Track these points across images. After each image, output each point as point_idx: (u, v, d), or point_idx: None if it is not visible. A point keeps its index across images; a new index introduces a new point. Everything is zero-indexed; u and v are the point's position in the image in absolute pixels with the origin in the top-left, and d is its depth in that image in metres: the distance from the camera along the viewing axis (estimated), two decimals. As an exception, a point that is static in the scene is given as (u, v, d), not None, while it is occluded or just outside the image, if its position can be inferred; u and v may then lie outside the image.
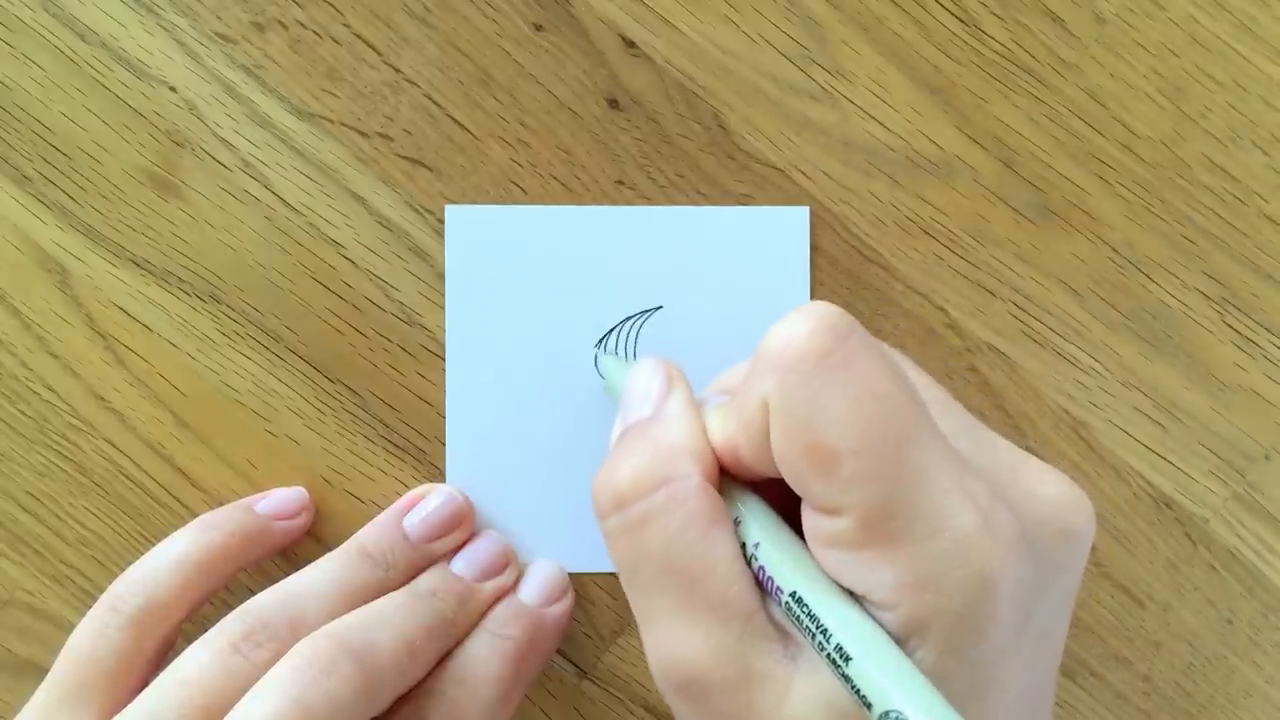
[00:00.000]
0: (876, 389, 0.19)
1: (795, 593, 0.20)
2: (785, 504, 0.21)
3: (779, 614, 0.20)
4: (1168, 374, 0.30)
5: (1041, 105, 0.30)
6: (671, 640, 0.20)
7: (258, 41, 0.30)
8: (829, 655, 0.19)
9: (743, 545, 0.21)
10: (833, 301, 0.30)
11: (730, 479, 0.22)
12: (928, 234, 0.30)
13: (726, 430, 0.21)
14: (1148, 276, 0.30)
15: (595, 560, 0.30)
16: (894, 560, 0.18)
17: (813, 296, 0.30)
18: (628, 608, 0.30)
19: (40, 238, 0.30)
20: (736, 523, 0.21)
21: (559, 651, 0.30)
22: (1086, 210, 0.30)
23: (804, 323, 0.19)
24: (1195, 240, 0.30)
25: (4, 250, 0.30)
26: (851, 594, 0.19)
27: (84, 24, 0.29)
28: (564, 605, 0.29)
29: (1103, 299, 0.30)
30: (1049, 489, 0.21)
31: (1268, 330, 0.30)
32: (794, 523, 0.21)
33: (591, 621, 0.30)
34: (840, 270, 0.30)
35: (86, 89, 0.30)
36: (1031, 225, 0.30)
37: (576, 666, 0.30)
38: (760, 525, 0.21)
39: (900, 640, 0.19)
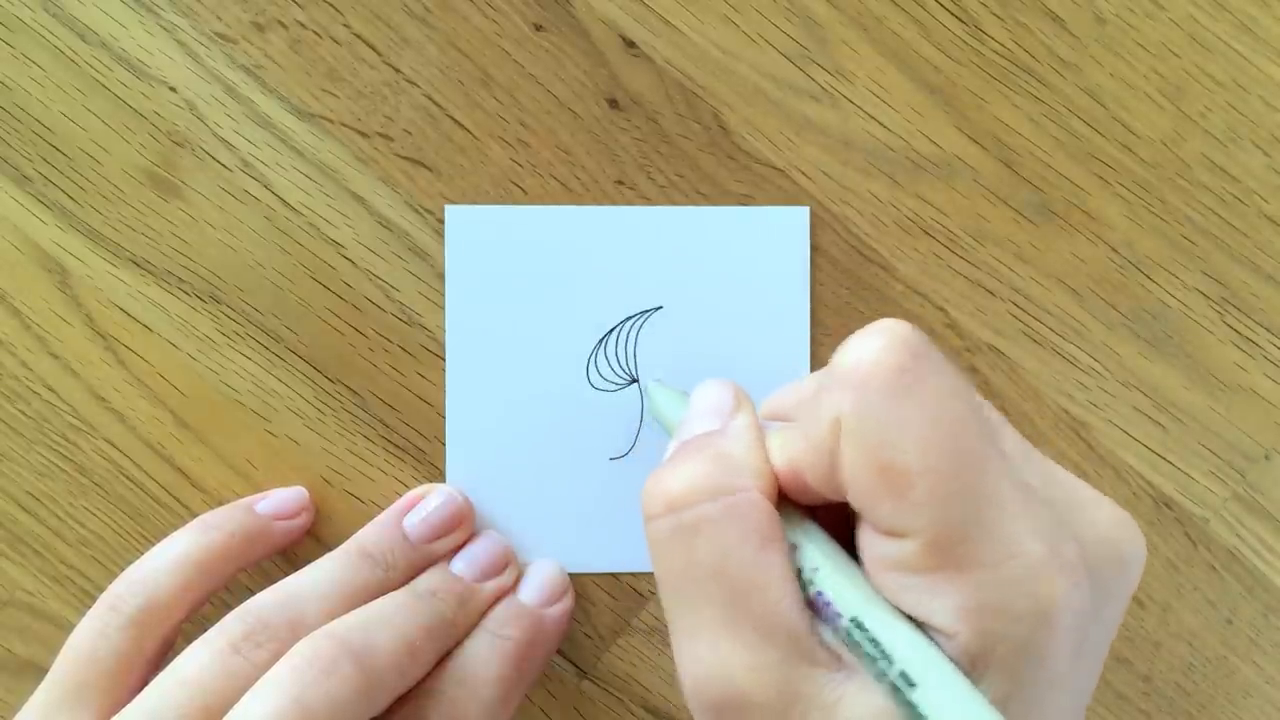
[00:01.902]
0: (950, 410, 0.19)
1: (857, 618, 0.19)
2: (836, 531, 0.21)
3: (829, 639, 0.20)
4: (1168, 374, 0.30)
5: (1041, 105, 0.30)
6: (713, 655, 0.20)
7: (258, 41, 0.30)
8: (892, 682, 0.18)
9: (798, 570, 0.20)
10: (832, 301, 0.30)
11: (788, 504, 0.21)
12: (928, 234, 0.30)
13: (789, 451, 0.21)
14: (1148, 276, 0.30)
15: (595, 560, 0.30)
16: (959, 586, 0.18)
17: (813, 297, 0.30)
18: (628, 608, 0.30)
19: (40, 238, 0.30)
20: (793, 547, 0.21)
21: (559, 651, 0.30)
22: (1086, 210, 0.30)
23: (879, 340, 0.19)
24: (1195, 240, 0.30)
25: (4, 250, 0.30)
26: (912, 620, 0.19)
27: (84, 24, 0.29)
28: (564, 605, 0.29)
29: (1103, 299, 0.30)
30: (1104, 516, 0.21)
31: (1268, 330, 0.30)
32: (845, 549, 0.21)
33: (591, 621, 0.30)
34: (840, 270, 0.30)
35: (86, 89, 0.30)
36: (1031, 225, 0.30)
37: (576, 666, 0.30)
38: (819, 549, 0.20)
39: (961, 668, 0.18)
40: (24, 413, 0.30)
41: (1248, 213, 0.30)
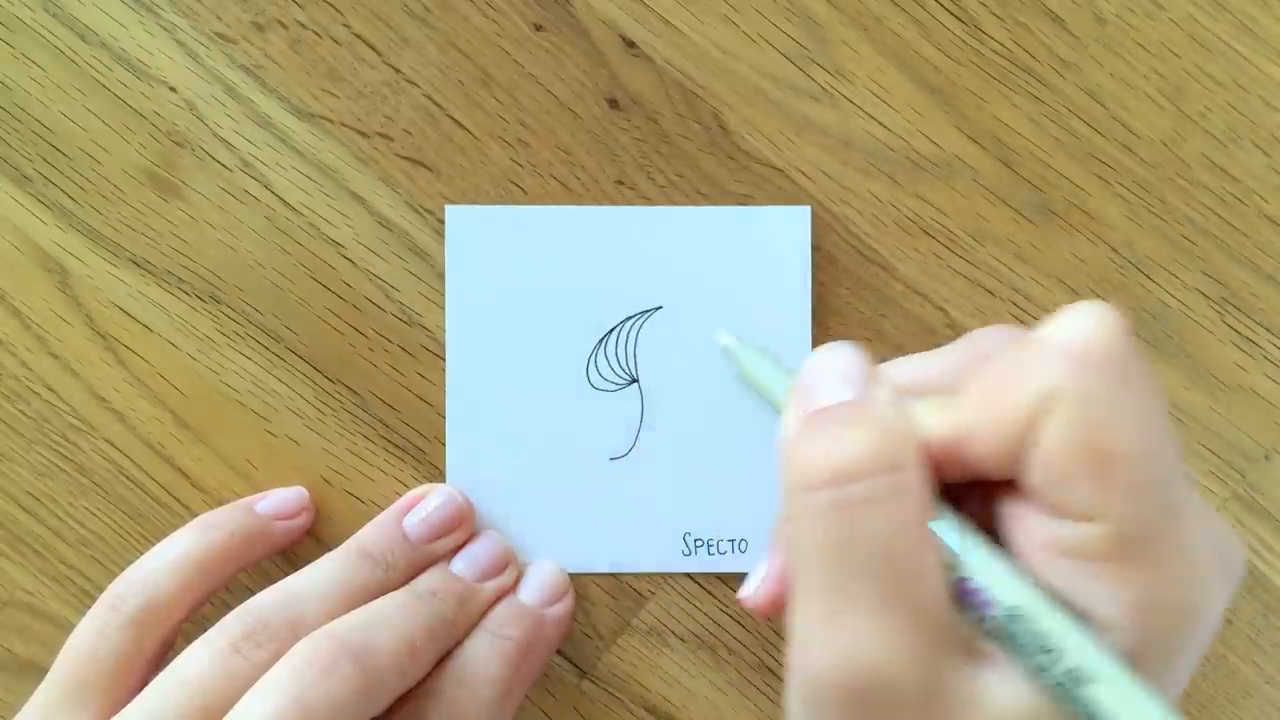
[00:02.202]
0: (1156, 404, 0.19)
1: (1016, 608, 0.19)
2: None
3: (965, 629, 0.19)
4: (1168, 374, 0.30)
5: (1041, 105, 0.30)
6: (857, 639, 0.19)
7: (258, 41, 0.30)
8: (1055, 679, 0.18)
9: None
10: (833, 302, 0.30)
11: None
12: (928, 234, 0.30)
13: (954, 419, 0.20)
14: (1148, 276, 0.30)
15: (595, 560, 0.30)
16: (1134, 579, 0.18)
17: (813, 297, 0.30)
18: (628, 608, 0.30)
19: (40, 238, 0.30)
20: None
21: (559, 651, 0.30)
22: (1086, 210, 0.30)
23: (1100, 321, 0.19)
24: (1195, 240, 0.30)
25: (4, 250, 0.30)
26: (1070, 609, 0.19)
27: (84, 24, 0.29)
28: (564, 606, 0.29)
29: (1103, 299, 0.30)
30: (1224, 528, 0.21)
31: (1268, 330, 0.30)
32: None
33: (591, 621, 0.30)
34: (840, 270, 0.30)
35: (86, 89, 0.30)
36: (1031, 225, 0.30)
37: (576, 666, 0.30)
38: (963, 533, 0.20)
39: None
40: (24, 413, 0.30)
41: (1248, 213, 0.30)
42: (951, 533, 0.20)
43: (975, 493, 0.21)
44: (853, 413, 0.20)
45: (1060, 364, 0.19)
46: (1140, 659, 0.18)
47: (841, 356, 0.21)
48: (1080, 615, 0.19)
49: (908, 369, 0.22)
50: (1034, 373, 0.19)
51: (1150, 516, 0.18)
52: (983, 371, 0.20)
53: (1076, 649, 0.18)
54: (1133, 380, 0.19)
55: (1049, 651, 0.18)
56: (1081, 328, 0.19)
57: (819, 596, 0.19)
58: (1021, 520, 0.20)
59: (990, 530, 0.21)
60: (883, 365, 0.23)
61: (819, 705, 0.19)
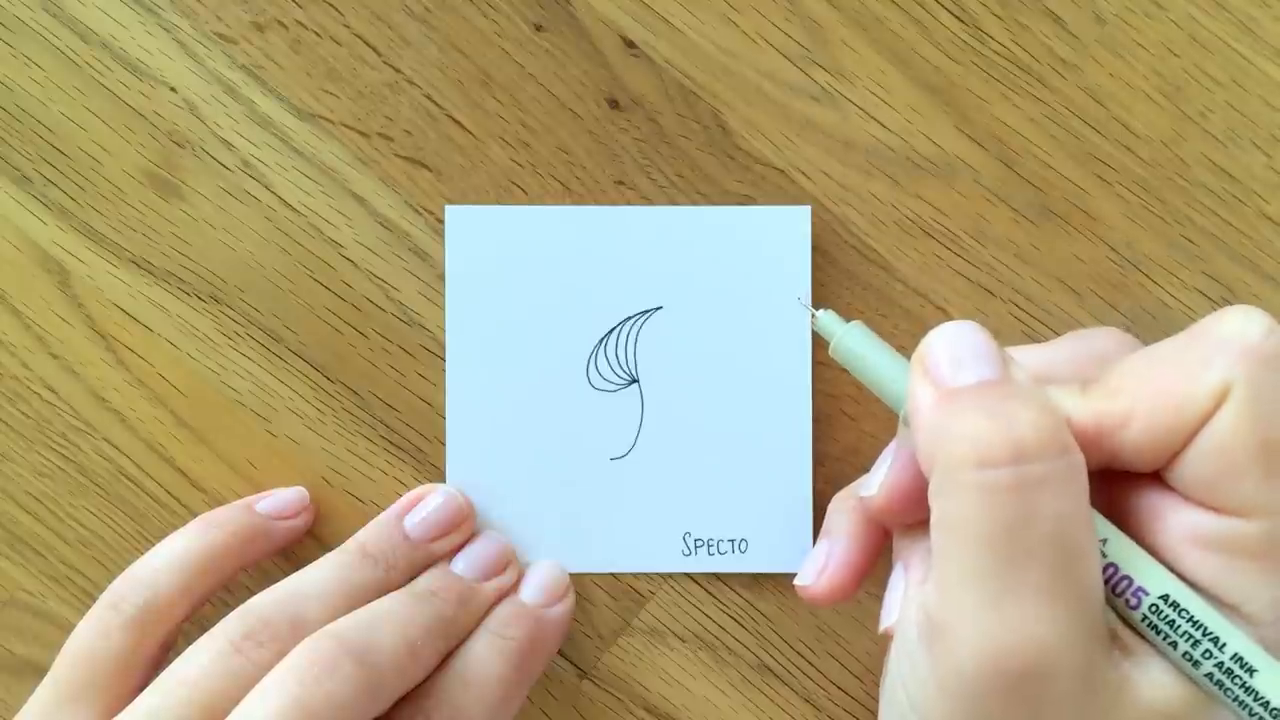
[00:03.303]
0: None
1: (1169, 595, 0.19)
2: None
3: (1111, 618, 0.19)
4: (1168, 374, 0.30)
5: (1041, 105, 0.30)
6: (1031, 622, 0.18)
7: (258, 41, 0.30)
8: (1221, 664, 0.18)
9: None
10: (833, 302, 0.30)
11: None
12: (928, 234, 0.30)
13: (1106, 408, 0.20)
14: (1148, 276, 0.30)
15: (595, 560, 0.30)
16: None
17: (813, 296, 0.30)
18: (628, 608, 0.30)
19: (40, 238, 0.30)
20: None
21: (559, 651, 0.30)
22: (1086, 210, 0.30)
23: (1265, 320, 0.19)
24: (1195, 240, 0.30)
25: (4, 250, 0.30)
26: (1220, 599, 0.19)
27: (84, 24, 0.29)
28: (565, 606, 0.29)
29: (1103, 299, 0.30)
30: None
31: (1268, 330, 0.30)
32: None
33: (591, 621, 0.30)
34: (840, 270, 0.30)
35: (86, 89, 0.30)
36: (1031, 225, 0.30)
37: (576, 666, 0.30)
38: (1105, 521, 0.20)
39: None
40: (24, 413, 0.30)
41: (1248, 213, 0.30)
42: (1099, 521, 0.20)
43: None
44: (1014, 391, 0.20)
45: (1239, 358, 0.19)
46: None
47: (973, 334, 0.21)
48: (1222, 609, 0.19)
49: (1061, 354, 0.22)
50: (1209, 365, 0.19)
51: None
52: (1135, 362, 0.20)
53: (1237, 637, 0.18)
54: None
55: (1210, 638, 0.18)
56: (1256, 326, 0.19)
57: (984, 579, 0.19)
58: (1164, 513, 0.20)
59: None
60: (1019, 351, 0.22)
61: (973, 694, 0.19)
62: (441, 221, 0.30)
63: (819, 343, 0.30)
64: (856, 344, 0.23)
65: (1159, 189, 0.30)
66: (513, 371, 0.30)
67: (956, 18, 0.29)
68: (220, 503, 0.30)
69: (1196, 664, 0.18)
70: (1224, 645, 0.18)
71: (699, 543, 0.30)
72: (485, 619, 0.28)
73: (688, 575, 0.30)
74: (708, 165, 0.30)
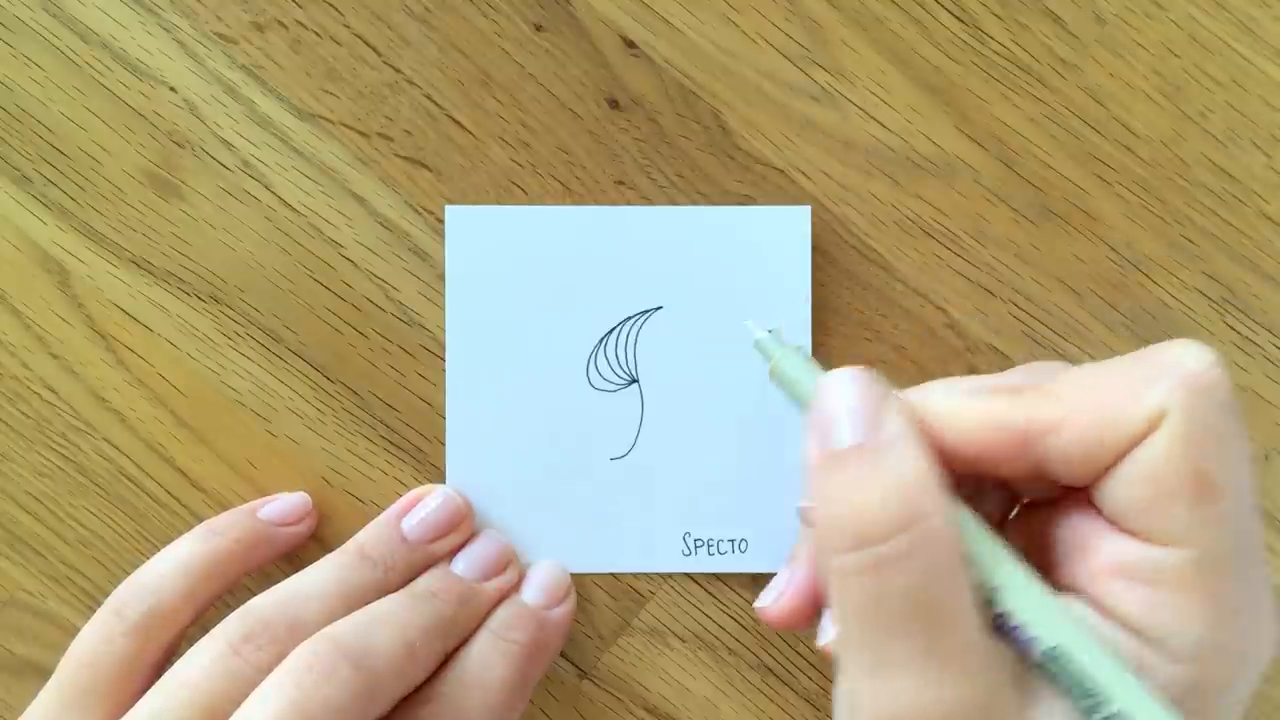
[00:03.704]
0: (1249, 446, 0.19)
1: (1057, 648, 0.19)
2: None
3: (1011, 657, 0.19)
4: (1168, 374, 0.30)
5: (1041, 105, 0.30)
6: (908, 691, 0.19)
7: (258, 41, 0.29)
8: (1109, 718, 0.18)
9: (978, 585, 0.20)
10: (833, 302, 0.30)
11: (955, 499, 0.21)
12: (928, 234, 0.30)
13: (1040, 413, 0.20)
14: (1148, 276, 0.30)
15: (595, 560, 0.30)
16: (1204, 614, 0.18)
17: (813, 296, 0.30)
18: (628, 608, 0.30)
19: (40, 238, 0.30)
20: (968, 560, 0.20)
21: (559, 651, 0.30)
22: (1086, 210, 0.30)
23: (1209, 355, 0.19)
24: (1195, 240, 0.30)
25: (4, 250, 0.30)
26: (1142, 633, 0.19)
27: (84, 24, 0.29)
28: (567, 606, 0.29)
29: (1103, 299, 0.30)
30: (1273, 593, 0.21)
31: (1268, 330, 0.30)
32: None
33: (591, 621, 0.30)
34: (840, 270, 0.30)
35: (86, 89, 0.30)
36: (1031, 225, 0.30)
37: (576, 666, 0.30)
38: (998, 562, 0.20)
39: (1175, 701, 0.18)
40: (24, 413, 0.30)
41: (1248, 213, 0.30)
42: (988, 560, 0.20)
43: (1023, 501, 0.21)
44: (865, 462, 0.20)
45: (1178, 386, 0.19)
46: (1193, 698, 0.18)
47: (851, 387, 0.21)
48: (1145, 643, 0.19)
49: (963, 385, 0.22)
50: (1150, 387, 0.19)
51: (1232, 551, 0.19)
52: (1076, 374, 0.20)
53: (1121, 693, 0.18)
54: (1234, 418, 0.19)
55: (1093, 695, 0.18)
56: (1197, 358, 0.19)
57: (861, 651, 0.20)
58: (1092, 541, 0.20)
59: (1040, 537, 0.21)
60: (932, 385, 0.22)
61: None
62: (441, 221, 0.30)
63: (819, 343, 0.30)
64: (791, 369, 0.23)
65: (1159, 189, 0.30)
66: (513, 371, 0.30)
67: (956, 18, 0.29)
68: (220, 503, 0.30)
69: (1090, 714, 0.18)
70: (1106, 701, 0.18)
71: (699, 543, 0.30)
72: (487, 620, 0.28)
73: (688, 575, 0.30)
74: (708, 165, 0.30)
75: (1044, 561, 0.21)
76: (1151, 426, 0.19)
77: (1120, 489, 0.19)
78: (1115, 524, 0.20)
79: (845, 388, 0.21)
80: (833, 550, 0.20)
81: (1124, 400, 0.19)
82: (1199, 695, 0.18)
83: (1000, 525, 0.23)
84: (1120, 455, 0.19)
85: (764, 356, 0.24)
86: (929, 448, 0.20)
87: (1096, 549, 0.20)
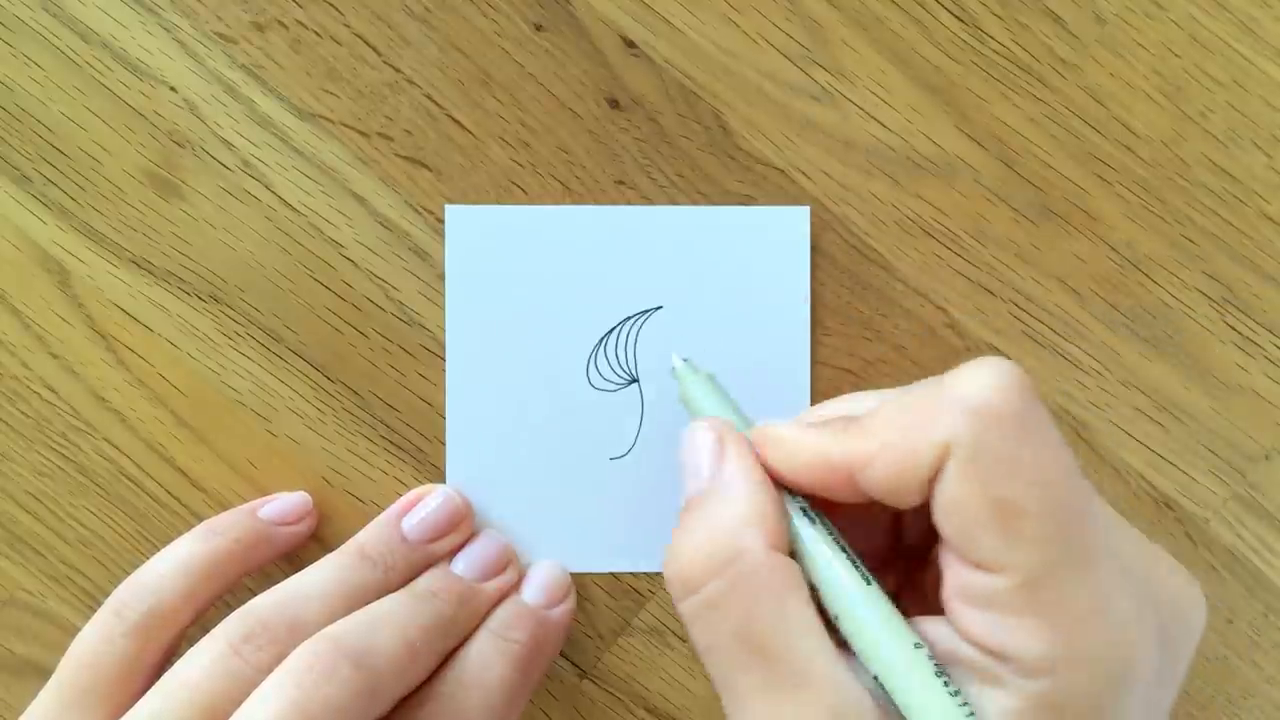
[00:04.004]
0: (1061, 460, 0.19)
1: (876, 678, 0.19)
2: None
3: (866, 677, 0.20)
4: (1168, 374, 0.30)
5: (1041, 105, 0.30)
6: None
7: (258, 41, 0.30)
8: None
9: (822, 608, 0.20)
10: (833, 301, 0.30)
11: (799, 522, 0.21)
12: (928, 234, 0.30)
13: (854, 448, 0.20)
14: (1148, 276, 0.30)
15: (595, 560, 0.30)
16: (1051, 630, 0.18)
17: (813, 297, 0.30)
18: (628, 608, 0.30)
19: (40, 238, 0.30)
20: (812, 589, 0.20)
21: (559, 651, 0.30)
22: (1086, 210, 0.30)
23: (1000, 378, 0.19)
24: (1195, 240, 0.30)
25: (4, 250, 0.30)
26: (992, 653, 0.19)
27: (84, 24, 0.29)
28: (568, 606, 0.29)
29: (1103, 299, 0.30)
30: (1177, 582, 0.21)
31: (1268, 330, 0.30)
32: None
33: (591, 621, 0.30)
34: (840, 270, 0.30)
35: (86, 89, 0.30)
36: (1031, 225, 0.30)
37: (576, 666, 0.30)
38: (835, 590, 0.20)
39: (1039, 715, 0.18)
40: (24, 413, 0.30)
41: (1248, 213, 0.30)
42: (825, 588, 0.20)
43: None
44: (692, 509, 0.22)
45: (957, 417, 0.19)
46: (1068, 714, 0.18)
47: (697, 441, 0.23)
48: (996, 661, 0.19)
49: (855, 405, 0.23)
50: (933, 423, 0.19)
51: (1056, 568, 0.18)
52: (887, 406, 0.21)
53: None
54: (1032, 434, 0.19)
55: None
56: (979, 383, 0.19)
57: (719, 688, 0.21)
58: (944, 562, 0.20)
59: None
60: (831, 402, 0.23)
61: None
62: (441, 221, 0.30)
63: (819, 342, 0.30)
64: (693, 391, 0.25)
65: (1159, 189, 0.30)
66: (513, 371, 0.30)
67: (956, 18, 0.29)
68: (220, 503, 0.30)
69: None
70: None
71: (699, 543, 0.30)
72: (487, 620, 0.28)
73: (688, 575, 0.30)
74: (708, 165, 0.30)
75: (932, 580, 0.21)
76: (942, 460, 0.19)
77: (940, 519, 0.19)
78: (951, 550, 0.20)
79: (695, 437, 0.23)
80: (674, 600, 0.21)
81: (917, 435, 0.19)
82: (1062, 706, 0.18)
83: (903, 549, 0.24)
84: (922, 488, 0.19)
85: (679, 383, 0.26)
86: (766, 486, 0.21)
87: (946, 574, 0.20)
